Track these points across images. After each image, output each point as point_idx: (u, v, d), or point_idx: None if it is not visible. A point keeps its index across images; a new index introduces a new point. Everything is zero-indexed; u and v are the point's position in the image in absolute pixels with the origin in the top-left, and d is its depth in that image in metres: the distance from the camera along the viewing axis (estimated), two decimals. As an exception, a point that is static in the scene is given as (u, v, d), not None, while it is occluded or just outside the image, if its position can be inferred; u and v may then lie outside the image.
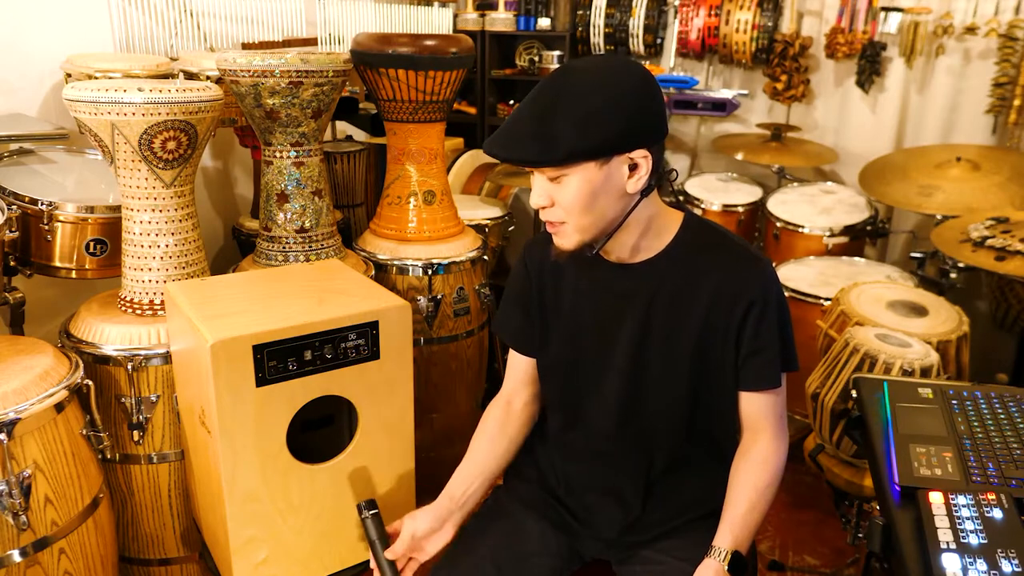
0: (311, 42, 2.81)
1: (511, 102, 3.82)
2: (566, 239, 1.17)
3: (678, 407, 1.24)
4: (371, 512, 1.28)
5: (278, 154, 1.97)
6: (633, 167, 1.12)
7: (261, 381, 1.37)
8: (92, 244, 1.82)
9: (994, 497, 0.92)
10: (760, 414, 1.23)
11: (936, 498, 0.93)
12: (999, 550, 0.84)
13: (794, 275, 2.57)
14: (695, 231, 1.23)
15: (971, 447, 1.06)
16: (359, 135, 3.31)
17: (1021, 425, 1.10)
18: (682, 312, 1.20)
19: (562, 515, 1.34)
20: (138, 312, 1.70)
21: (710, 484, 1.27)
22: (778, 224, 2.93)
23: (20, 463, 1.37)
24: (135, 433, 1.66)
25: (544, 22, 3.66)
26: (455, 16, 3.70)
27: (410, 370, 1.56)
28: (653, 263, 1.22)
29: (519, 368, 1.39)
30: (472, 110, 3.84)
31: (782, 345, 1.20)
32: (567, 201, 1.12)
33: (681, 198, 3.22)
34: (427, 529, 1.28)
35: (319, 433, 1.62)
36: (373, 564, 1.26)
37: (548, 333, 1.32)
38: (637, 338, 1.23)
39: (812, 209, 2.98)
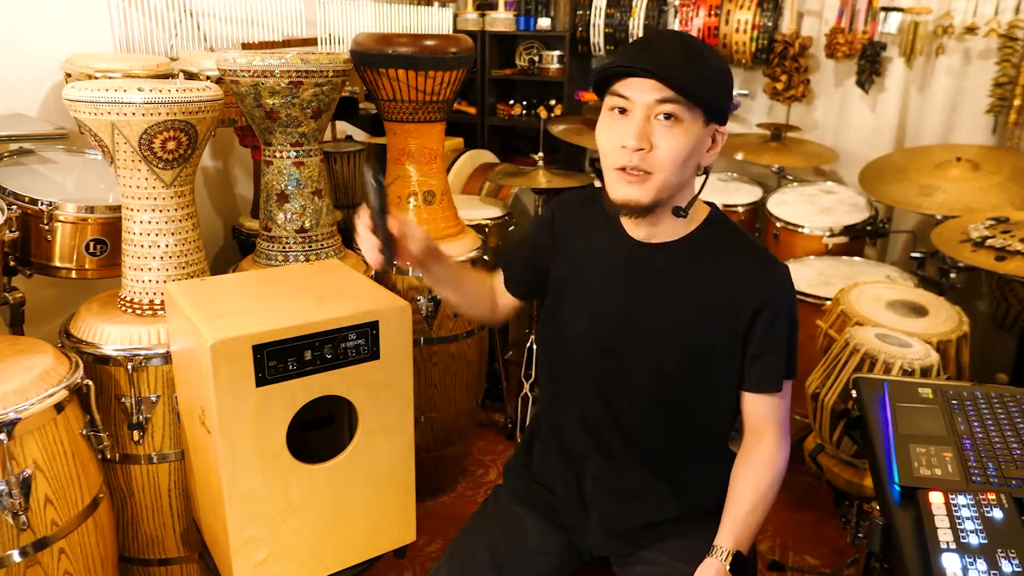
0: (311, 42, 2.81)
1: (511, 102, 3.82)
2: (645, 192, 1.12)
3: (677, 402, 1.24)
4: (378, 181, 1.10)
5: (278, 154, 1.97)
6: (714, 140, 1.15)
7: (261, 381, 1.37)
8: (92, 244, 1.82)
9: (994, 497, 0.92)
10: (764, 416, 1.23)
11: (936, 498, 0.93)
12: (999, 550, 0.84)
13: (794, 275, 2.54)
14: (719, 226, 1.24)
15: (971, 447, 1.06)
16: (359, 135, 3.31)
17: (1021, 425, 1.10)
18: (693, 301, 1.20)
19: (561, 514, 1.34)
20: (138, 312, 1.70)
21: (706, 484, 1.27)
22: (778, 224, 2.93)
23: (20, 463, 1.37)
24: (135, 433, 1.66)
25: (544, 22, 3.66)
26: (455, 16, 3.70)
27: (410, 370, 1.56)
28: (673, 247, 1.22)
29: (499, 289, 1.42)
30: (472, 110, 3.84)
31: (787, 351, 1.21)
32: (671, 149, 1.09)
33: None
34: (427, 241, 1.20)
35: (319, 433, 1.62)
36: (367, 223, 1.13)
37: (557, 286, 1.31)
38: (639, 314, 1.22)
39: (812, 209, 2.98)
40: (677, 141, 1.09)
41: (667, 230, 1.21)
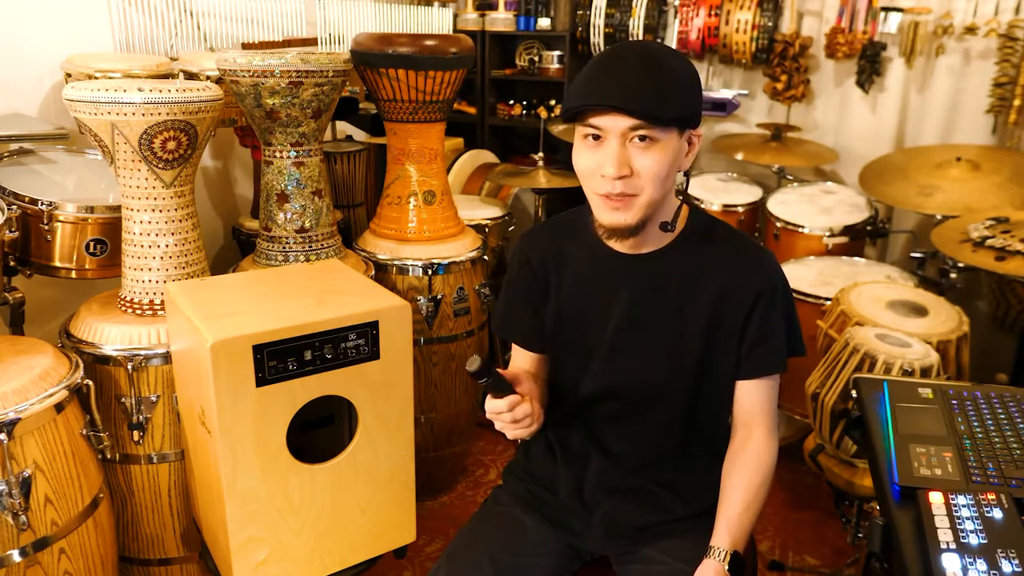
0: (311, 42, 2.81)
1: (511, 102, 3.82)
2: (631, 213, 1.13)
3: (680, 401, 1.24)
4: (486, 379, 1.09)
5: (278, 154, 1.97)
6: (690, 143, 1.15)
7: (261, 381, 1.37)
8: (92, 244, 1.82)
9: (994, 497, 0.92)
10: (755, 407, 1.23)
11: (936, 498, 0.93)
12: (999, 550, 0.84)
13: (794, 275, 2.56)
14: (701, 225, 1.25)
15: (971, 447, 1.06)
16: (359, 135, 3.31)
17: (1021, 425, 1.10)
18: (689, 305, 1.21)
19: (561, 515, 1.33)
20: (138, 312, 1.70)
21: (707, 482, 1.27)
22: (778, 224, 2.93)
23: (20, 463, 1.37)
24: (135, 433, 1.66)
25: (544, 22, 3.66)
26: (455, 16, 3.70)
27: (410, 370, 1.56)
28: (662, 254, 1.23)
29: (524, 361, 1.36)
30: (472, 110, 3.84)
31: (788, 331, 1.22)
32: (651, 169, 1.09)
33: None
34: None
35: (319, 433, 1.62)
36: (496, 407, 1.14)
37: (555, 324, 1.31)
38: (643, 331, 1.23)
39: (812, 209, 2.98)
40: (656, 161, 1.09)
41: (655, 239, 1.22)
